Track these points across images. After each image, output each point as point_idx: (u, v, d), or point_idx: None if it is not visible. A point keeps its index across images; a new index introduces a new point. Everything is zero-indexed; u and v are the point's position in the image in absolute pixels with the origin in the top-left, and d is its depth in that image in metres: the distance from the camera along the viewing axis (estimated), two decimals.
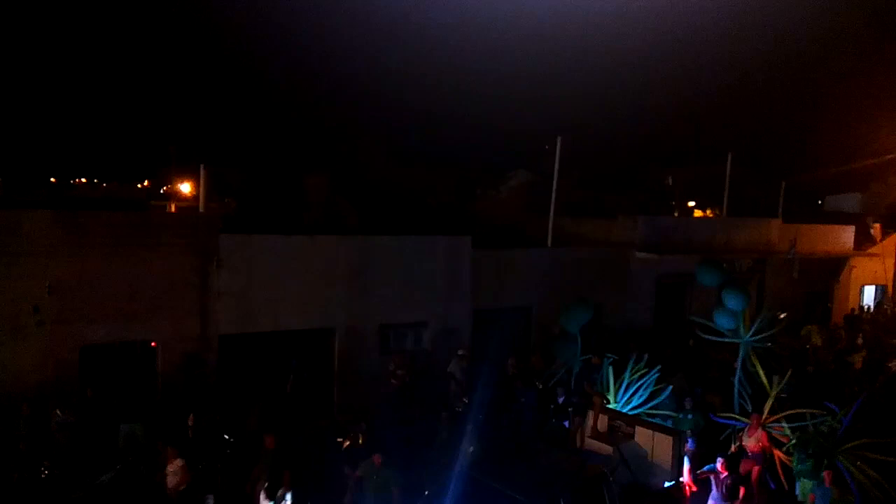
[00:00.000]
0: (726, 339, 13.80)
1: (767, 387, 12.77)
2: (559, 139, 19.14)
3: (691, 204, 37.94)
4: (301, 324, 14.33)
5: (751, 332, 13.52)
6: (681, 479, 11.49)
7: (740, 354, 13.49)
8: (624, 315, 19.37)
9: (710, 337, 14.10)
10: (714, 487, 10.47)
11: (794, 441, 11.54)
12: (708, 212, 35.81)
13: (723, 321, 13.56)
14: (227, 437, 11.65)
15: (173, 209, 25.63)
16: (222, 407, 12.26)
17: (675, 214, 34.46)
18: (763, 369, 13.10)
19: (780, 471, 11.69)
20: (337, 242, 14.92)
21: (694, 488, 11.20)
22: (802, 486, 11.18)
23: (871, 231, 25.20)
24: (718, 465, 10.54)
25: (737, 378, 13.28)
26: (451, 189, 28.76)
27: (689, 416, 12.84)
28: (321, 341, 14.68)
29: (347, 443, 11.25)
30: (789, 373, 12.98)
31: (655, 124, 34.40)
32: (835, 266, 24.64)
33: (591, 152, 28.78)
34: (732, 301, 13.32)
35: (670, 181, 37.43)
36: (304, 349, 14.30)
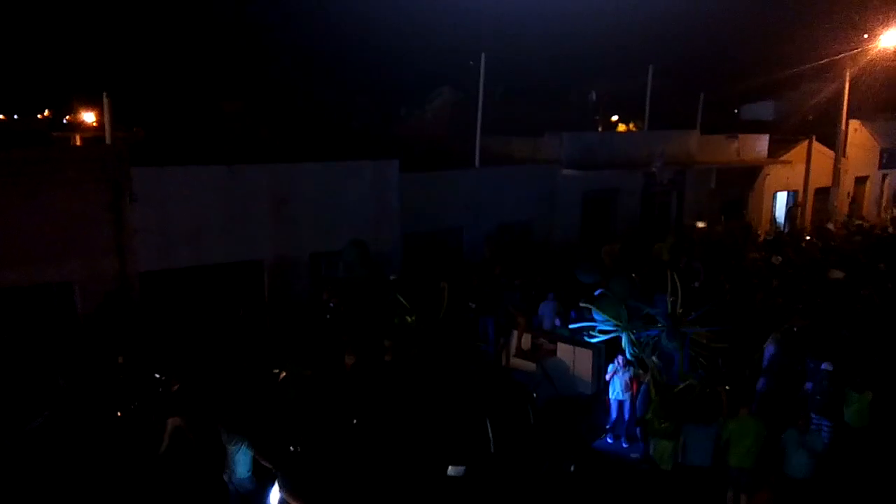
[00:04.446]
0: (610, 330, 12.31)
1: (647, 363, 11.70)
2: (483, 55, 18.76)
3: (614, 118, 38.35)
4: (227, 257, 13.90)
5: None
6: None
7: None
8: (552, 232, 19.68)
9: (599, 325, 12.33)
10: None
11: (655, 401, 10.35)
12: (630, 125, 36.33)
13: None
14: (157, 375, 11.37)
15: (78, 141, 24.06)
16: (149, 346, 11.90)
17: (599, 129, 34.82)
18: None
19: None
20: (259, 171, 14.36)
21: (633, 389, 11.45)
22: (661, 449, 10.00)
23: (733, 144, 25.13)
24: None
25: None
26: (375, 111, 28.03)
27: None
28: (250, 274, 14.32)
29: (283, 374, 11.17)
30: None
31: (578, 38, 34.04)
32: (750, 174, 25.59)
33: (515, 68, 28.33)
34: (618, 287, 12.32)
35: (593, 96, 37.60)
36: (232, 283, 13.94)
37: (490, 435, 9.14)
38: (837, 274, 17.14)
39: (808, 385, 11.76)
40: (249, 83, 28.21)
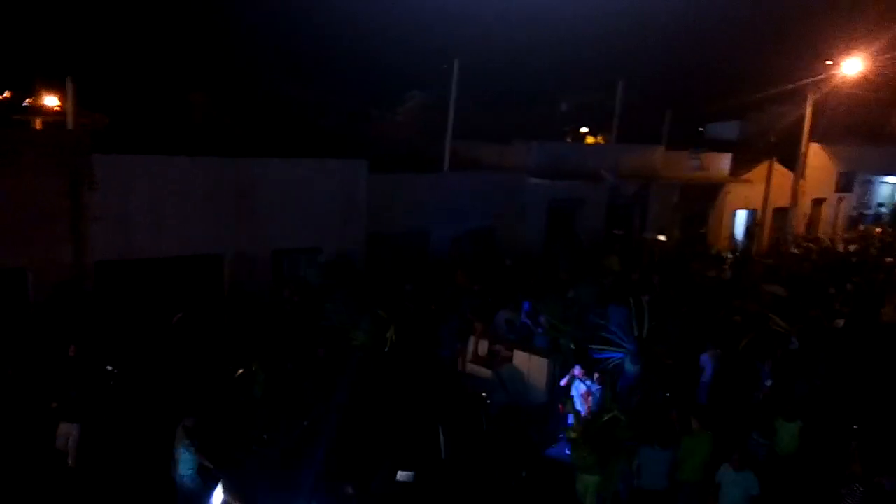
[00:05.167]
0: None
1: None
2: (456, 61, 18.83)
3: (583, 130, 38.73)
4: (186, 250, 13.72)
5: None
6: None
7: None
8: (516, 239, 19.79)
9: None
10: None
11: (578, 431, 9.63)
12: (599, 138, 36.73)
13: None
14: (109, 368, 11.14)
15: (39, 125, 23.48)
16: (102, 337, 11.66)
17: (568, 140, 35.17)
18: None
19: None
20: (223, 164, 14.20)
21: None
22: (584, 483, 9.28)
23: (698, 160, 25.45)
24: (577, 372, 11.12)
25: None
26: (346, 110, 27.90)
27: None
28: (209, 268, 14.14)
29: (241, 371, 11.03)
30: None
31: (551, 48, 34.27)
32: (712, 191, 26.06)
33: (488, 74, 28.44)
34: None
35: (563, 107, 37.97)
36: (191, 276, 13.74)
37: (441, 441, 9.15)
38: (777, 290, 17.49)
39: (757, 396, 12.04)
40: (218, 76, 27.83)
